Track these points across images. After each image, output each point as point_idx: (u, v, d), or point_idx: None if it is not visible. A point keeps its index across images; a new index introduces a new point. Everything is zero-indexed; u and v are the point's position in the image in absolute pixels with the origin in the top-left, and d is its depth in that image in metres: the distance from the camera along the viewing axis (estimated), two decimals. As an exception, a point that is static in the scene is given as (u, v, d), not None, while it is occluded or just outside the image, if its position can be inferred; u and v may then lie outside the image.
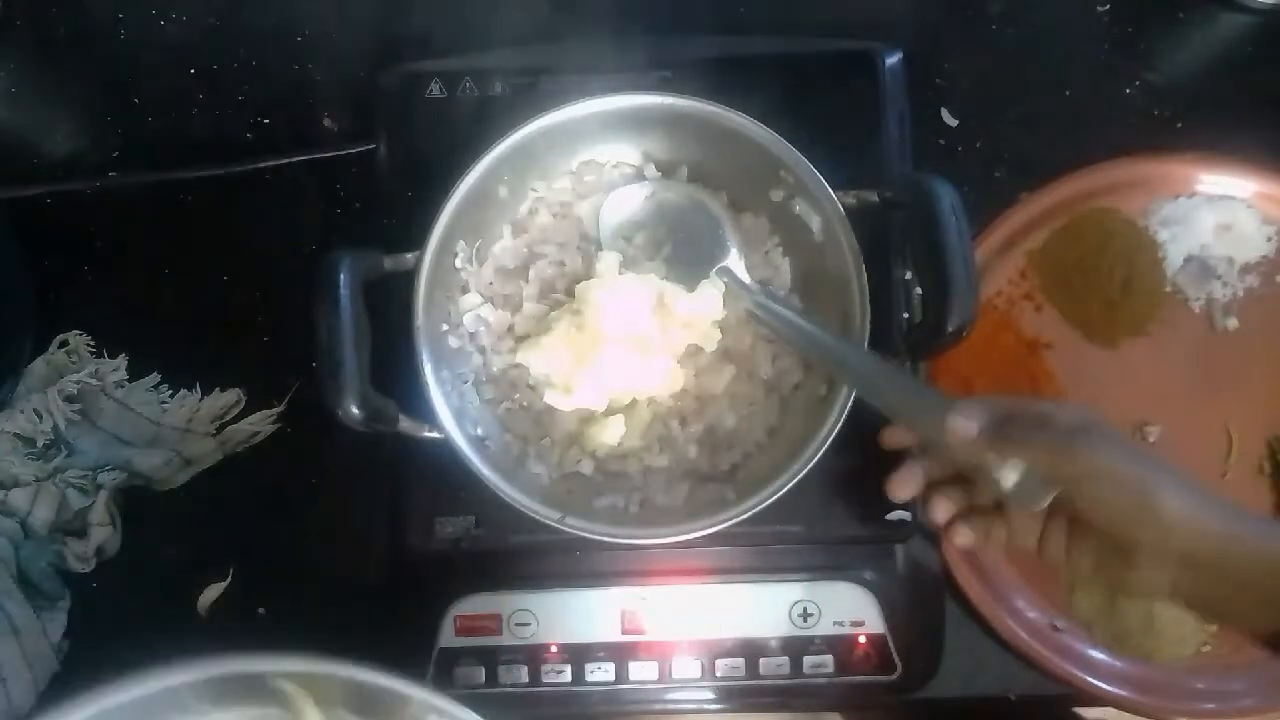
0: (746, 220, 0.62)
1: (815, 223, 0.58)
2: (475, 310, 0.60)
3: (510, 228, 0.62)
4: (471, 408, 0.59)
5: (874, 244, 0.56)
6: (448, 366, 0.58)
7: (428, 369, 0.56)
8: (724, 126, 0.58)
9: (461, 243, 0.59)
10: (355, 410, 0.50)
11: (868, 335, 0.55)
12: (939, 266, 0.51)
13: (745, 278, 0.59)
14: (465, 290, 0.61)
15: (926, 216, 0.52)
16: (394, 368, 0.55)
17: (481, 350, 0.61)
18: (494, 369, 0.60)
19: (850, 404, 0.54)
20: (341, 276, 0.52)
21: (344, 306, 0.51)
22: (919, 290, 0.61)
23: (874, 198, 0.57)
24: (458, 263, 0.60)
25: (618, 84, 0.61)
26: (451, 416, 0.55)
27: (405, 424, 0.54)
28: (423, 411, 0.55)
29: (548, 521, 0.54)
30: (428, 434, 0.55)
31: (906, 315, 0.61)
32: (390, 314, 0.56)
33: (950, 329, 0.51)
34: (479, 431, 0.58)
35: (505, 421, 0.60)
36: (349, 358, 0.51)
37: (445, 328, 0.59)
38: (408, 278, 0.56)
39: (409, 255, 0.56)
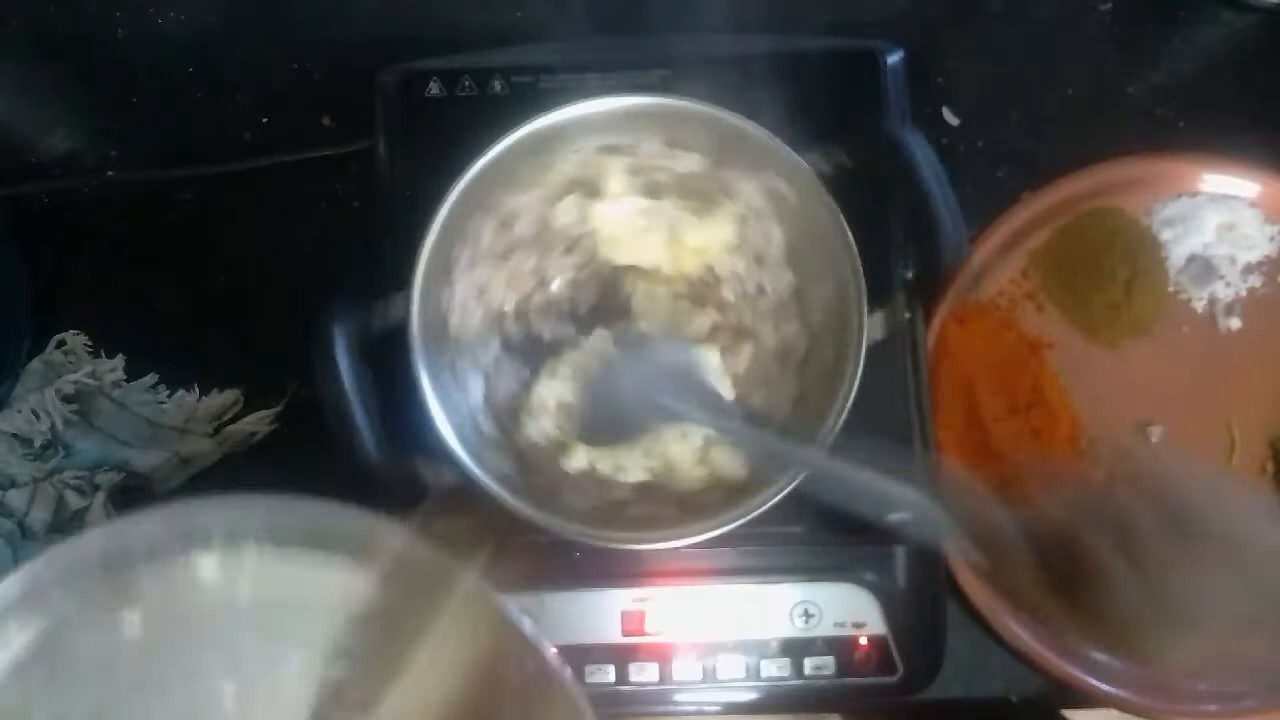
0: (731, 177, 0.61)
1: (789, 191, 0.58)
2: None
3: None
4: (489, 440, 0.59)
5: (857, 203, 0.56)
6: (460, 408, 0.57)
7: (444, 424, 0.54)
8: (686, 115, 0.58)
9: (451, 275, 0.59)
10: (373, 469, 0.51)
11: (865, 292, 0.54)
12: (920, 207, 0.51)
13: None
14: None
15: (898, 164, 0.52)
16: (404, 413, 0.55)
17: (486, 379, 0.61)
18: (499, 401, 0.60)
19: (859, 378, 0.53)
20: (337, 341, 0.52)
21: (344, 369, 0.51)
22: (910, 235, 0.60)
23: (843, 158, 0.57)
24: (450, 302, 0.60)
25: (617, 83, 0.61)
26: (470, 457, 0.54)
27: (426, 470, 0.54)
28: (442, 454, 0.54)
29: (585, 540, 0.54)
30: (450, 480, 0.54)
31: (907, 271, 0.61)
32: (394, 365, 0.55)
33: (946, 263, 0.51)
34: (506, 469, 0.57)
35: (526, 458, 0.59)
36: (359, 420, 0.51)
37: (446, 364, 0.59)
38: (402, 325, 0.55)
39: (398, 301, 0.55)
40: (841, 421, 0.53)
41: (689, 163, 0.60)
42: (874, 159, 0.56)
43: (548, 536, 0.54)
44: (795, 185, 0.57)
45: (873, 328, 0.55)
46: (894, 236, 0.60)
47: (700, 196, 0.62)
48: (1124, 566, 0.40)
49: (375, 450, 0.50)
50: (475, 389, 0.60)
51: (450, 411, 0.55)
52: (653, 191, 0.62)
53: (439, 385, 0.56)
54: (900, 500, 0.46)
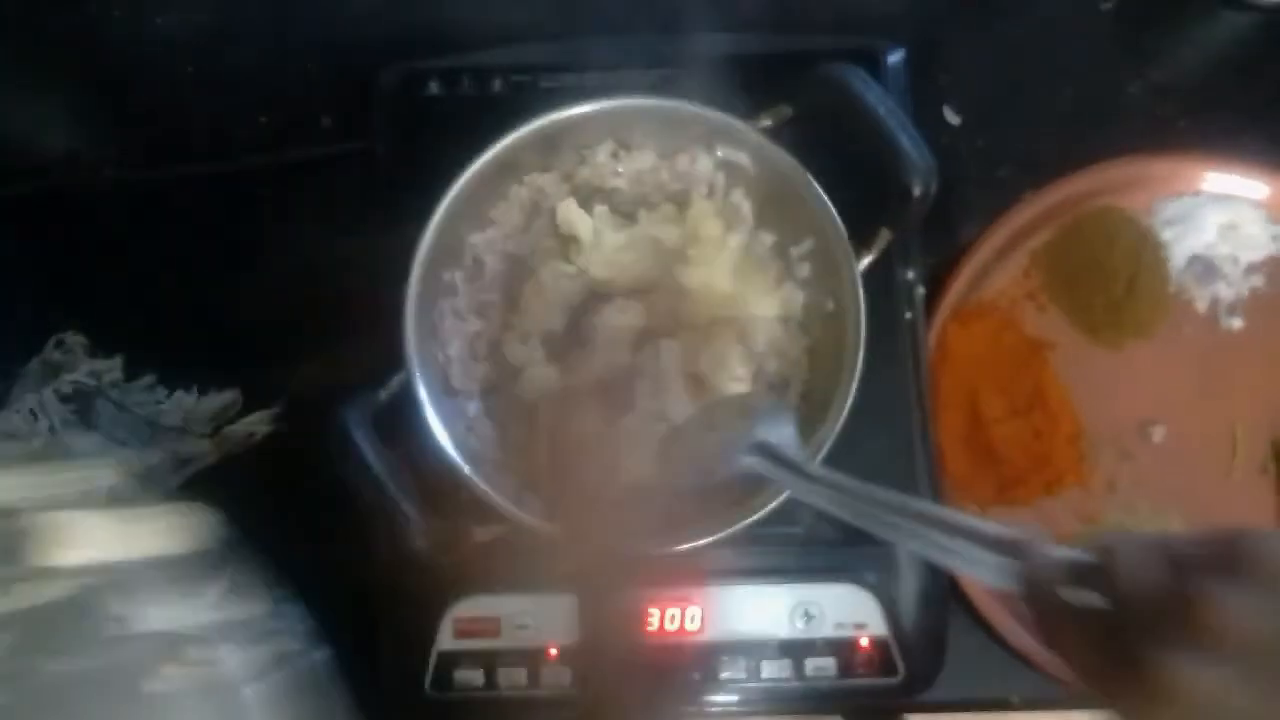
0: (683, 162, 0.61)
1: (743, 158, 0.59)
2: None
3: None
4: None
5: (816, 150, 0.56)
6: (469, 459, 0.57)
7: (475, 477, 0.54)
8: (626, 111, 0.58)
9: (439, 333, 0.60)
10: (423, 534, 0.51)
11: (845, 235, 0.55)
12: (877, 137, 0.52)
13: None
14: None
15: (846, 102, 0.53)
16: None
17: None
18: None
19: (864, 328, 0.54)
20: (354, 433, 0.52)
21: (366, 450, 0.52)
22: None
23: (788, 111, 0.57)
24: (442, 360, 0.60)
25: (617, 82, 0.61)
26: (508, 500, 0.54)
27: (479, 533, 0.54)
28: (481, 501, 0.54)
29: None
30: (494, 528, 0.54)
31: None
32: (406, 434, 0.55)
33: (917, 192, 0.52)
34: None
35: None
36: (393, 493, 0.51)
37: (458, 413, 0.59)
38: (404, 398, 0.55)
39: (395, 381, 0.55)
40: (849, 404, 0.53)
41: (640, 161, 0.61)
42: (820, 103, 0.56)
43: (547, 537, 0.54)
44: (748, 149, 0.58)
45: (863, 263, 0.55)
46: (862, 174, 0.58)
47: (666, 201, 0.62)
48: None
49: (419, 519, 0.51)
50: (486, 433, 0.61)
51: (467, 456, 0.55)
52: (621, 212, 0.62)
53: (457, 436, 0.56)
54: (991, 563, 0.37)
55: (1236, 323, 0.67)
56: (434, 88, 0.65)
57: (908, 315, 0.63)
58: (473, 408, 0.61)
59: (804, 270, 0.60)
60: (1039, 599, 0.35)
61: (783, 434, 0.47)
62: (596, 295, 0.62)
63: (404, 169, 0.65)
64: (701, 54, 0.64)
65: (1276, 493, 0.65)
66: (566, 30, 0.68)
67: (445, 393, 0.59)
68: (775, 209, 0.61)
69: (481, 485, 0.54)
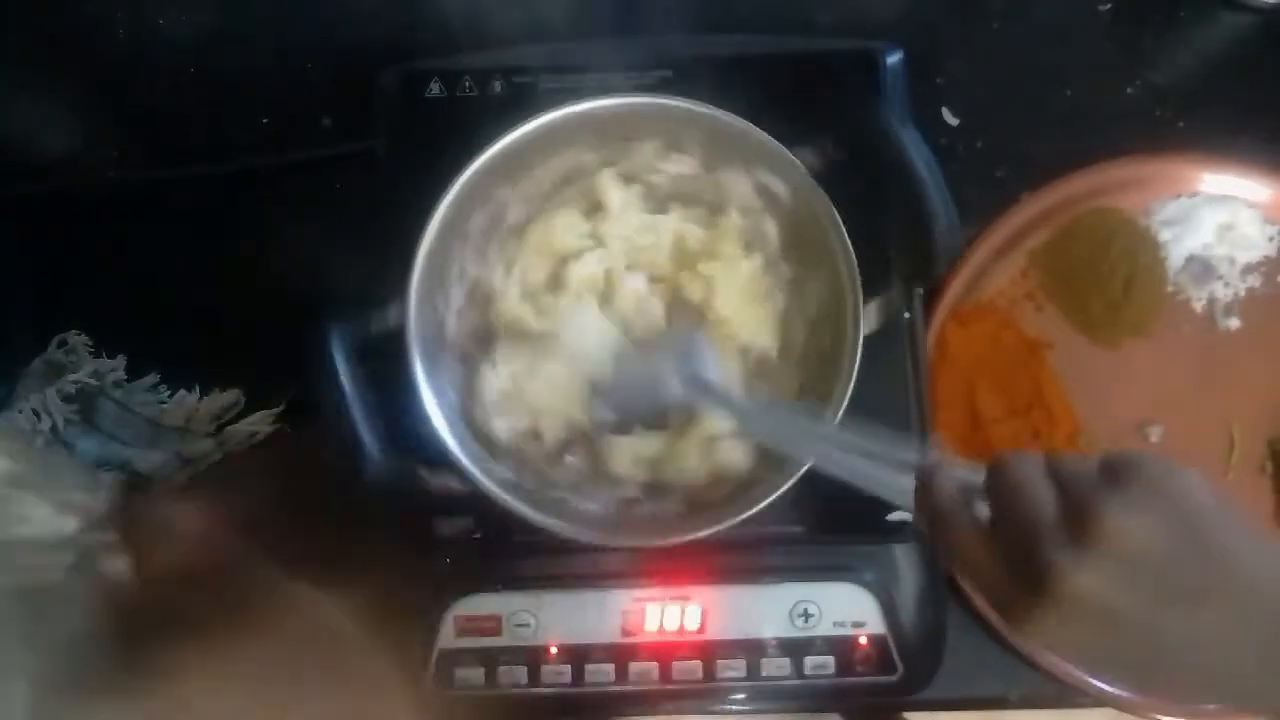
0: (725, 177, 0.61)
1: (781, 188, 0.58)
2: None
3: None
4: (497, 450, 0.59)
5: (849, 196, 0.56)
6: (459, 416, 0.57)
7: (443, 426, 0.55)
8: (679, 114, 0.58)
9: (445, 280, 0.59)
10: (378, 478, 0.51)
11: (860, 286, 0.55)
12: (914, 199, 0.51)
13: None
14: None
15: (889, 155, 0.53)
16: (404, 420, 0.55)
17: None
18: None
19: (855, 371, 0.54)
20: (335, 353, 0.52)
21: (341, 373, 0.52)
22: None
23: (835, 149, 0.57)
24: (443, 307, 0.60)
25: (617, 83, 0.61)
26: (466, 456, 0.54)
27: (432, 482, 0.55)
28: (440, 457, 0.54)
29: (591, 541, 0.54)
30: (456, 487, 0.55)
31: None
32: (391, 368, 0.55)
33: (940, 253, 0.51)
34: (509, 474, 0.57)
35: (524, 456, 0.59)
36: (361, 428, 0.51)
37: (446, 375, 0.59)
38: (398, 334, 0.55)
39: (392, 311, 0.55)
40: (840, 416, 0.53)
41: (683, 165, 0.61)
42: (867, 150, 0.56)
43: (547, 537, 0.54)
44: (788, 181, 0.58)
45: (868, 320, 0.55)
46: (888, 228, 0.59)
47: (701, 204, 0.62)
48: (1114, 593, 0.35)
49: (376, 453, 0.51)
50: (479, 389, 0.60)
51: (448, 413, 0.56)
52: (655, 199, 0.62)
53: (438, 389, 0.56)
54: (898, 487, 0.42)
55: (1234, 323, 0.68)
56: (435, 89, 0.65)
57: (906, 315, 0.63)
58: (460, 362, 0.60)
59: (811, 310, 0.60)
60: (940, 514, 0.39)
61: (707, 364, 0.55)
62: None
63: (404, 170, 0.65)
64: (700, 56, 0.64)
65: (1274, 492, 0.66)
66: (566, 32, 0.68)
67: (436, 341, 0.59)
68: (798, 244, 0.60)
69: (445, 436, 0.54)
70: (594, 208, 0.62)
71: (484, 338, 0.61)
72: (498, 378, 0.59)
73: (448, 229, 0.57)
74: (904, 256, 0.57)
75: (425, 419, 0.55)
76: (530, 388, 0.59)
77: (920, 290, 0.65)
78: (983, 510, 0.39)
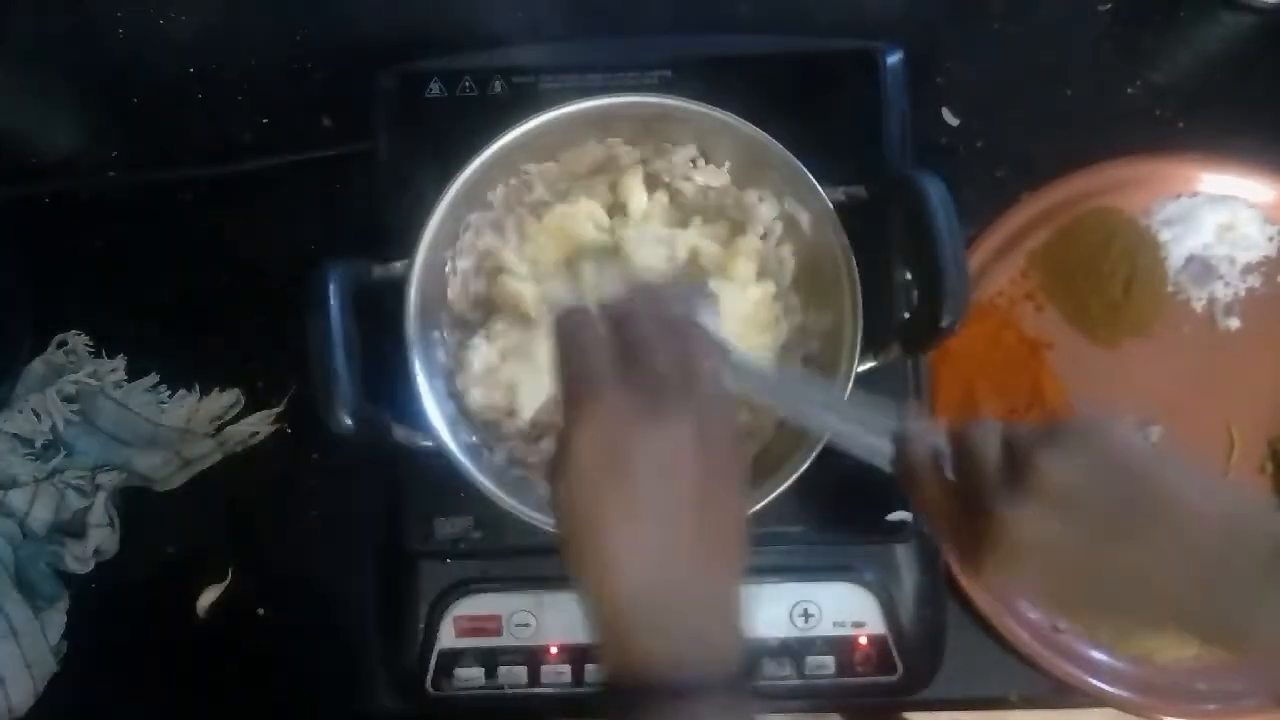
0: (753, 197, 0.60)
1: (805, 219, 0.58)
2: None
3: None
4: (467, 414, 0.58)
5: (868, 239, 0.56)
6: (441, 375, 0.58)
7: (420, 378, 0.55)
8: (714, 123, 0.57)
9: (457, 243, 0.59)
10: (347, 421, 0.50)
11: (860, 330, 0.54)
12: (929, 261, 0.51)
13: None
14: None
15: (915, 211, 0.52)
16: (389, 377, 0.55)
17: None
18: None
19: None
20: (331, 288, 0.52)
21: (334, 318, 0.51)
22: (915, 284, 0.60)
23: (863, 194, 0.56)
24: (449, 269, 0.59)
25: (618, 83, 0.61)
26: (446, 425, 0.55)
27: (400, 433, 0.54)
28: (417, 420, 0.54)
29: (546, 528, 0.54)
30: (422, 443, 0.55)
31: (908, 315, 0.61)
32: (385, 322, 0.55)
33: (943, 324, 0.51)
34: (474, 439, 0.57)
35: (499, 430, 0.59)
36: (340, 368, 0.50)
37: (438, 335, 0.59)
38: (400, 286, 0.55)
39: (398, 264, 0.56)
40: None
41: (714, 177, 0.60)
42: (891, 196, 0.56)
43: (547, 537, 0.54)
44: (813, 214, 0.57)
45: (863, 363, 0.55)
46: (897, 281, 0.60)
47: (723, 220, 0.61)
48: (1060, 532, 0.40)
49: (351, 401, 0.50)
50: (467, 356, 0.60)
51: (434, 380, 0.56)
52: (680, 210, 0.62)
53: (426, 342, 0.56)
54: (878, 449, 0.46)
55: (1234, 323, 0.68)
56: (435, 89, 0.65)
57: (905, 315, 0.63)
58: (456, 326, 0.60)
59: (813, 346, 0.60)
60: (911, 472, 0.44)
61: (706, 318, 0.53)
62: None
63: (404, 170, 0.65)
64: (700, 56, 0.64)
65: (1274, 492, 0.66)
66: (566, 32, 0.68)
67: (438, 299, 0.59)
68: (811, 279, 0.60)
69: (426, 398, 0.55)
70: (618, 206, 0.62)
71: (484, 308, 0.61)
72: (488, 350, 0.59)
73: (469, 192, 0.57)
74: (906, 318, 0.58)
75: (410, 378, 0.55)
76: (515, 367, 0.59)
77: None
78: (946, 469, 0.44)
